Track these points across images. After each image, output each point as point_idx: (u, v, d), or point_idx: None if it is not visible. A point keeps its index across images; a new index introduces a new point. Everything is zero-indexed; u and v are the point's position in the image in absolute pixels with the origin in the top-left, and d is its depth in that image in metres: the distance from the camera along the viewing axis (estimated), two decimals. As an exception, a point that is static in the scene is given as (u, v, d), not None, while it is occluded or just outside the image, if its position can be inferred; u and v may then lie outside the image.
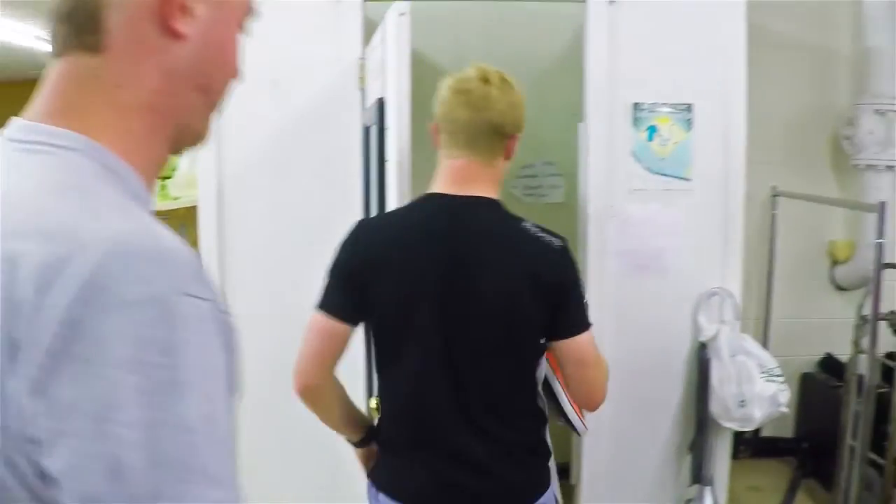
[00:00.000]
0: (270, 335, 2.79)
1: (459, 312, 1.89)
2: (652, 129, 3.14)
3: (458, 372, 1.91)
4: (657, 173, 3.17)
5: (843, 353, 4.98)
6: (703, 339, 3.19)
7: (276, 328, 2.82)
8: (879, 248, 3.16)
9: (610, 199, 3.15)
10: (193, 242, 4.54)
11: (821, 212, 4.77)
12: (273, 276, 3.12)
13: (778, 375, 3.09)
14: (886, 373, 4.15)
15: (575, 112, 3.41)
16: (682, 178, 3.19)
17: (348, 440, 2.13)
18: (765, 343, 4.64)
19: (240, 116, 2.95)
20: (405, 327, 1.93)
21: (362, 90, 2.96)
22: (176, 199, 3.64)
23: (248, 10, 1.03)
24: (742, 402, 3.06)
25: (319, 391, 2.00)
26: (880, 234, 3.14)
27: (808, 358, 5.23)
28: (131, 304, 0.74)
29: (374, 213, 2.76)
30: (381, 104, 2.43)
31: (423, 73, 2.58)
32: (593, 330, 1.93)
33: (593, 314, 1.96)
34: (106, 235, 0.77)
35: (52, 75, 0.90)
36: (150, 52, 0.91)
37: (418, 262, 1.92)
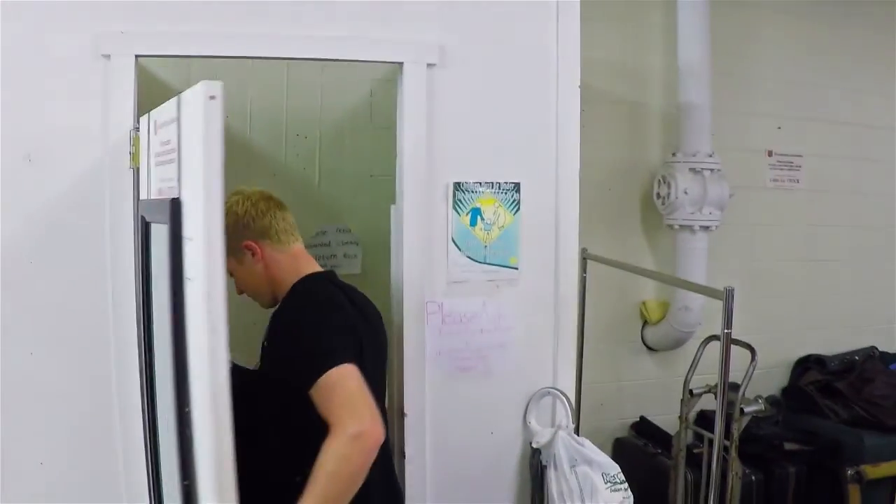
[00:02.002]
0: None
1: None
2: (475, 213, 2.79)
3: None
4: (481, 262, 2.82)
5: (655, 416, 4.87)
6: (536, 444, 2.88)
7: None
8: (727, 337, 2.91)
9: (427, 292, 2.78)
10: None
11: (634, 273, 4.57)
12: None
13: (622, 482, 2.81)
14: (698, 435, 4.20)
15: (371, 172, 3.49)
16: (508, 267, 2.86)
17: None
18: (578, 410, 4.41)
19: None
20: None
21: (135, 169, 2.46)
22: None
23: None
24: (587, 517, 2.75)
25: None
26: (728, 322, 2.90)
27: (621, 422, 5.08)
28: None
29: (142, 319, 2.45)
30: (176, 205, 1.88)
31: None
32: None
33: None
34: None
35: None
36: None
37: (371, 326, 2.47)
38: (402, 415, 2.78)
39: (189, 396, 1.85)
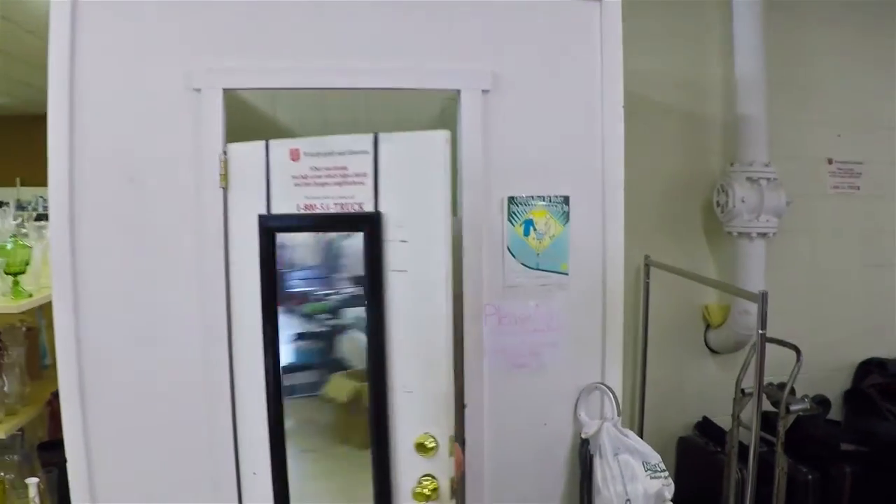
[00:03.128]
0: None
1: None
2: (528, 224, 3.05)
3: None
4: (534, 268, 3.08)
5: (718, 416, 5.03)
6: (584, 435, 3.11)
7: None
8: (761, 339, 3.12)
9: (485, 296, 3.06)
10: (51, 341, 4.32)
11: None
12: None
13: (662, 471, 3.03)
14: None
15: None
16: (559, 273, 3.11)
17: None
18: (641, 408, 4.63)
19: (95, 214, 2.84)
20: None
21: (224, 188, 2.79)
22: (30, 295, 3.42)
23: None
24: (627, 501, 2.98)
25: None
26: (763, 323, 3.10)
27: (685, 421, 5.24)
28: None
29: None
30: (377, 217, 2.60)
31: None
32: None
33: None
34: None
35: None
36: None
37: None
38: (462, 406, 3.05)
39: (387, 373, 2.62)
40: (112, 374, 2.88)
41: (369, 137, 2.60)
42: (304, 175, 2.72)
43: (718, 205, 4.92)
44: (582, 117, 3.15)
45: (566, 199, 3.10)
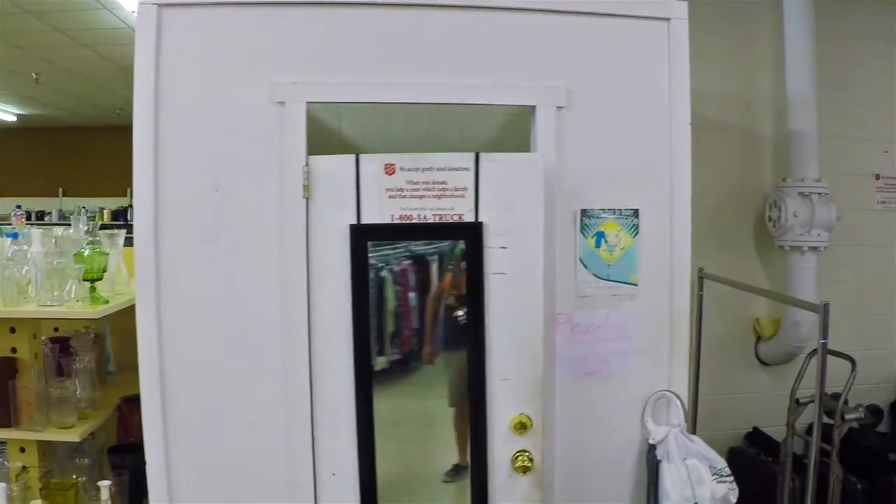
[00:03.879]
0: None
1: None
2: (599, 236, 3.16)
3: None
4: (604, 279, 3.18)
5: (768, 427, 5.12)
6: (652, 441, 3.21)
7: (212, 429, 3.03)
8: (823, 347, 3.22)
9: (558, 305, 3.16)
10: (117, 349, 4.46)
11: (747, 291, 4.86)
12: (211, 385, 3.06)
13: (727, 475, 3.12)
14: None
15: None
16: (629, 284, 3.22)
17: None
18: (694, 419, 4.71)
19: (178, 223, 2.96)
20: None
21: (307, 199, 2.92)
22: (107, 302, 3.55)
23: None
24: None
25: None
26: (824, 332, 3.20)
27: (735, 432, 5.33)
28: None
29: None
30: (478, 227, 2.99)
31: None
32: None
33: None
34: None
35: None
36: None
37: None
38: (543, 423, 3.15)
39: (486, 364, 3.00)
40: (192, 379, 2.99)
41: (471, 156, 2.96)
42: (399, 188, 2.94)
43: (770, 219, 5.01)
44: (651, 133, 3.24)
45: (636, 213, 3.20)
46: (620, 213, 3.19)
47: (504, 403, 3.01)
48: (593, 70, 3.20)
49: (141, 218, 2.92)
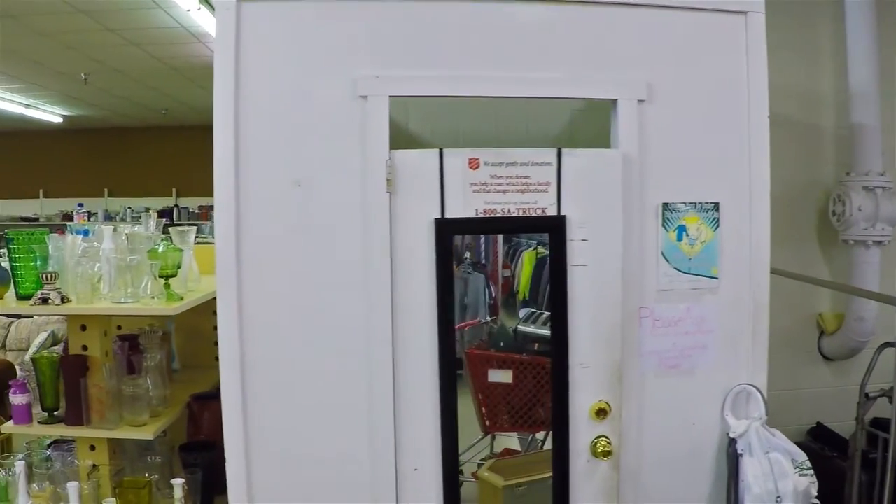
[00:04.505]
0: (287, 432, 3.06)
1: None
2: (681, 229, 3.15)
3: None
4: (686, 273, 3.18)
5: (832, 422, 5.09)
6: (733, 434, 3.19)
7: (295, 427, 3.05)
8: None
9: (640, 299, 3.16)
10: (182, 347, 4.49)
11: (809, 286, 4.83)
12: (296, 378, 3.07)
13: (808, 469, 3.11)
14: (873, 438, 4.42)
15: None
16: (710, 277, 3.21)
17: None
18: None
19: (260, 219, 2.97)
20: None
21: (390, 193, 2.92)
22: (181, 298, 3.57)
23: None
24: (778, 497, 3.06)
25: None
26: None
27: (798, 427, 5.30)
28: None
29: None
30: (561, 220, 3.07)
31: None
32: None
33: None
34: None
35: None
36: None
37: None
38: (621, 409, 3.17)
39: (568, 352, 3.09)
40: (273, 375, 3.00)
41: (553, 151, 3.03)
42: (483, 182, 2.98)
43: (834, 214, 4.98)
44: (729, 127, 3.24)
45: (716, 206, 3.19)
46: (701, 207, 3.19)
47: (584, 390, 3.10)
48: (672, 64, 3.19)
49: (222, 215, 2.93)
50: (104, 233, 3.57)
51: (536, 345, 3.17)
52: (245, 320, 2.98)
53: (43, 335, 6.78)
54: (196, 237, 4.14)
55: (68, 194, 16.63)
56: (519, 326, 4.03)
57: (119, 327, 4.28)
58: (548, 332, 3.13)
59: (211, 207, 13.65)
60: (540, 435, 3.80)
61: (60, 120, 15.47)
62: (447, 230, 2.95)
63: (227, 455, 2.99)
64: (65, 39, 8.90)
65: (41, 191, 17.17)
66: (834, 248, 5.19)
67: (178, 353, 4.67)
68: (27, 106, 13.87)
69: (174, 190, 17.16)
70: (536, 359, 3.28)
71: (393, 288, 2.99)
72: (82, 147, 17.03)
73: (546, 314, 3.23)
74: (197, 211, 16.99)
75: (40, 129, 16.13)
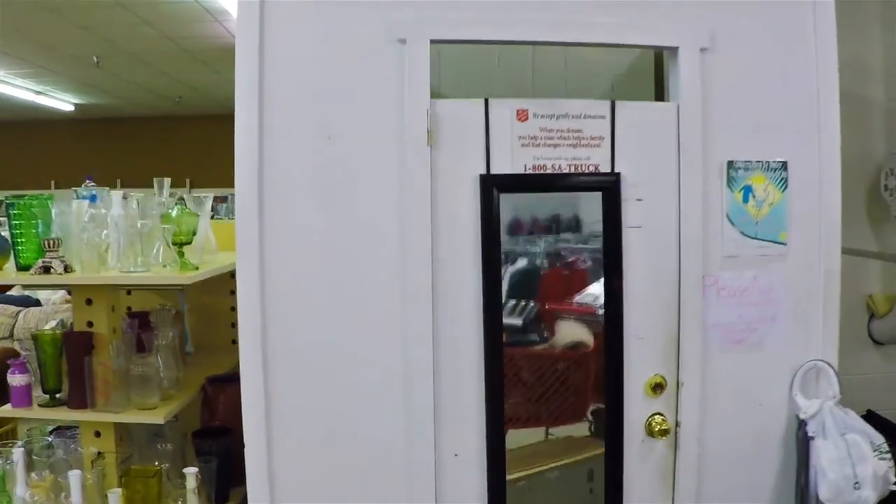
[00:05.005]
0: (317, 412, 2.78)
1: None
2: (747, 190, 2.89)
3: None
4: (752, 237, 2.91)
5: (884, 409, 4.83)
6: (803, 416, 2.92)
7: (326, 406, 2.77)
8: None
9: (703, 266, 2.89)
10: (195, 328, 4.22)
11: (858, 265, 4.57)
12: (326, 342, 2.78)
13: (886, 452, 2.85)
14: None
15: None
16: (778, 243, 2.94)
17: None
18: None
19: (285, 175, 2.70)
20: None
21: (431, 147, 2.66)
22: (196, 268, 3.31)
23: None
24: (857, 483, 2.79)
25: None
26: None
27: (848, 415, 5.04)
28: None
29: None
30: (617, 178, 2.85)
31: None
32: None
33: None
34: None
35: None
36: None
37: None
38: (677, 384, 2.90)
39: (623, 321, 2.85)
40: (298, 352, 2.73)
41: (606, 103, 2.82)
42: (532, 136, 2.76)
43: (887, 188, 4.72)
44: (797, 81, 2.97)
45: (784, 165, 2.93)
46: (768, 166, 2.92)
47: (639, 363, 2.88)
48: (735, 11, 2.93)
49: (243, 170, 2.65)
50: (113, 198, 3.29)
51: (504, 335, 2.79)
52: (267, 288, 2.69)
53: (52, 323, 6.55)
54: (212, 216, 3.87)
55: (80, 185, 16.46)
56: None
57: (129, 308, 4.01)
58: (515, 321, 2.88)
59: (226, 198, 13.53)
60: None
61: (72, 108, 15.27)
62: (493, 187, 2.70)
63: (245, 441, 2.71)
64: (77, 18, 8.65)
65: (53, 182, 16.97)
66: (885, 225, 4.91)
67: (192, 336, 4.41)
68: (38, 93, 13.66)
69: (188, 181, 16.95)
70: (506, 350, 2.87)
71: (433, 251, 2.71)
72: (94, 137, 16.86)
73: (513, 301, 2.89)
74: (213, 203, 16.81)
75: (52, 118, 15.97)
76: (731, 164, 2.89)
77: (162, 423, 3.30)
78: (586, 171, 2.79)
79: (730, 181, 2.88)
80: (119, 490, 3.08)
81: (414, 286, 2.71)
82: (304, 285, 2.72)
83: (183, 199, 3.64)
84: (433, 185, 2.71)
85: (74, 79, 12.52)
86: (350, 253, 2.73)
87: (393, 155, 2.71)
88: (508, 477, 2.86)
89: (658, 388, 2.88)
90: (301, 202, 2.70)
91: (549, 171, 2.76)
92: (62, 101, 14.81)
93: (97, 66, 10.91)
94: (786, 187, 2.94)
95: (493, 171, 2.70)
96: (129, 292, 4.14)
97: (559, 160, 2.76)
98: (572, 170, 2.78)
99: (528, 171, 2.74)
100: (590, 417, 3.04)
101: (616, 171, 2.80)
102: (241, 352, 2.69)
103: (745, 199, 2.90)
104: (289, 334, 2.72)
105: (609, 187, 2.79)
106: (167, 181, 3.58)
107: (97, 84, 12.91)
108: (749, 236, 2.92)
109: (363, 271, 2.74)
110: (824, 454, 2.86)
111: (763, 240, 2.93)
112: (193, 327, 4.42)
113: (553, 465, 3.08)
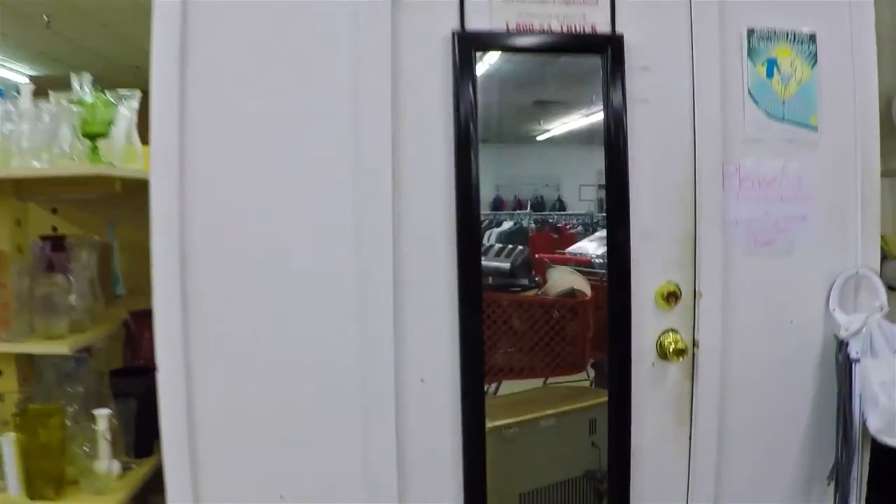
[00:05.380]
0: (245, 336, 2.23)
1: None
2: (771, 63, 2.45)
3: None
4: (779, 119, 2.47)
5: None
6: (845, 334, 2.47)
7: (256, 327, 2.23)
8: None
9: (723, 152, 2.44)
10: (127, 270, 3.69)
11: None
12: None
13: (947, 376, 2.38)
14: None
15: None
16: (808, 127, 2.50)
17: None
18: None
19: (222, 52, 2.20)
20: None
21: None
22: (111, 164, 2.78)
23: None
24: (917, 410, 2.34)
25: None
26: None
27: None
28: None
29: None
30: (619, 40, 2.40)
31: None
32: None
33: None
34: None
35: None
36: None
37: None
38: (695, 294, 2.45)
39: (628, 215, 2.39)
40: (222, 242, 2.22)
41: None
42: None
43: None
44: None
45: (812, 37, 2.51)
46: (795, 38, 2.49)
47: (649, 268, 2.45)
48: None
49: (161, 47, 2.14)
50: (22, 90, 2.76)
51: (490, 278, 2.49)
52: (188, 194, 2.19)
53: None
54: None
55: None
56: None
57: (55, 228, 3.46)
58: (502, 265, 2.56)
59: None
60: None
61: (27, 81, 14.74)
62: (468, 47, 2.25)
63: (159, 375, 2.17)
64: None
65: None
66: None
67: (124, 278, 3.88)
68: (-7, 64, 13.15)
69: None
70: (491, 295, 2.50)
71: (394, 124, 2.23)
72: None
73: (497, 246, 2.58)
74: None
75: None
76: (752, 32, 2.46)
77: (68, 353, 2.69)
78: (580, 31, 2.38)
79: (751, 52, 2.46)
80: (13, 435, 2.53)
81: (369, 170, 2.22)
82: (235, 166, 2.21)
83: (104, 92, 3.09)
84: (394, 47, 2.23)
85: (26, 45, 12.00)
86: (290, 131, 2.23)
87: (347, 10, 2.21)
88: (496, 423, 2.43)
89: (672, 297, 2.44)
90: (236, 83, 2.20)
91: (535, 30, 2.34)
92: (16, 73, 14.31)
93: (47, 25, 10.31)
94: (815, 63, 2.51)
95: (469, 28, 2.27)
96: (54, 210, 3.60)
97: (549, 18, 2.34)
98: (565, 30, 2.36)
99: (510, 30, 2.31)
100: (590, 371, 2.69)
101: (618, 32, 2.39)
102: (152, 240, 2.18)
103: (770, 74, 2.47)
104: (211, 220, 2.20)
105: (610, 51, 2.37)
106: (87, 76, 3.04)
107: (50, 52, 12.39)
108: (775, 118, 2.48)
109: (308, 151, 2.24)
110: (875, 377, 2.41)
111: (791, 122, 2.50)
112: (126, 269, 3.91)
113: (550, 412, 2.64)
